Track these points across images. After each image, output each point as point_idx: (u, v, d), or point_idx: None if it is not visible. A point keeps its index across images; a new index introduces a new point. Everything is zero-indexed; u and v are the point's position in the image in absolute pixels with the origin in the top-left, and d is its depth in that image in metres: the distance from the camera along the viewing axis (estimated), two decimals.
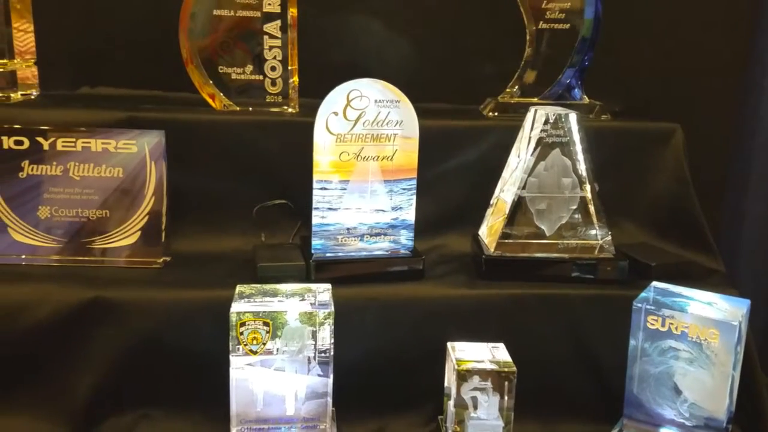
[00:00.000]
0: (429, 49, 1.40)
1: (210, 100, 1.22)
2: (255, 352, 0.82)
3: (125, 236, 1.06)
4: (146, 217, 1.06)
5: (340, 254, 1.03)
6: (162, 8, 1.31)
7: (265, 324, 0.82)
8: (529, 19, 1.27)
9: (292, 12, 1.20)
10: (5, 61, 1.17)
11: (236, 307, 0.83)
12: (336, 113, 0.97)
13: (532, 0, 1.26)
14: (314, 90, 1.29)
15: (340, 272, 1.01)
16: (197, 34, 1.18)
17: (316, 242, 1.02)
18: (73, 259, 1.05)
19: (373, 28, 1.40)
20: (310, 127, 1.22)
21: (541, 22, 1.28)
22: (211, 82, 1.21)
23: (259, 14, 1.19)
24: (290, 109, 1.24)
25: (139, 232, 1.06)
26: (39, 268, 1.04)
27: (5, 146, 1.03)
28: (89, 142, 1.04)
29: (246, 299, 0.86)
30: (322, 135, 0.98)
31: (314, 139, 0.98)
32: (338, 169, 1.01)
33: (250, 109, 1.22)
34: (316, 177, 1.00)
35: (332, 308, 0.87)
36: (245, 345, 0.82)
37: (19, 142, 1.03)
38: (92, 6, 1.33)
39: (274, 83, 1.23)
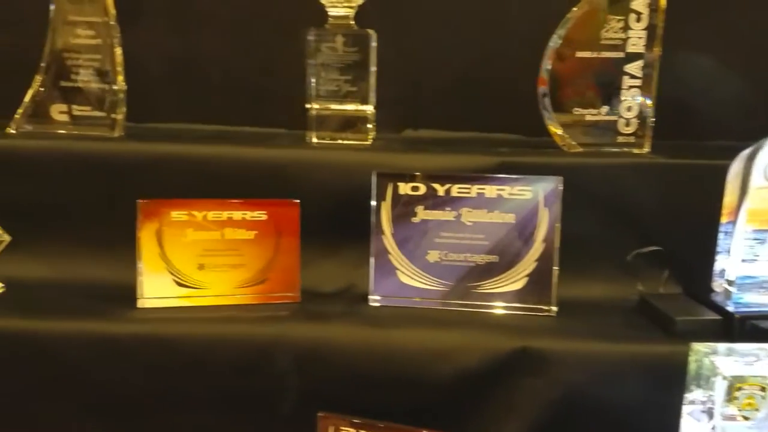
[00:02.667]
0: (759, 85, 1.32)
1: (556, 140, 1.20)
2: (748, 419, 0.76)
3: (512, 282, 1.04)
4: (535, 264, 1.04)
5: (761, 309, 0.96)
6: (482, 52, 1.34)
7: (762, 389, 0.75)
8: None
9: (657, 51, 1.16)
10: (365, 107, 1.22)
11: (729, 369, 0.78)
12: None
13: None
14: None
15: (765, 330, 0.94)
16: (558, 75, 1.17)
17: (736, 295, 0.95)
18: (457, 303, 1.05)
19: (698, 65, 1.33)
20: (666, 168, 1.18)
21: None
22: (556, 121, 1.20)
23: (622, 54, 1.17)
24: (643, 150, 1.19)
25: (526, 278, 1.04)
26: (427, 312, 1.04)
27: (401, 191, 1.06)
28: (484, 189, 1.04)
29: (711, 357, 0.81)
30: (759, 182, 0.92)
31: (750, 185, 0.92)
32: (760, 217, 0.94)
33: (593, 150, 1.19)
34: (741, 227, 0.93)
35: None
36: (739, 411, 0.76)
37: (415, 188, 1.06)
38: (417, 50, 1.37)
39: (628, 124, 1.19)
